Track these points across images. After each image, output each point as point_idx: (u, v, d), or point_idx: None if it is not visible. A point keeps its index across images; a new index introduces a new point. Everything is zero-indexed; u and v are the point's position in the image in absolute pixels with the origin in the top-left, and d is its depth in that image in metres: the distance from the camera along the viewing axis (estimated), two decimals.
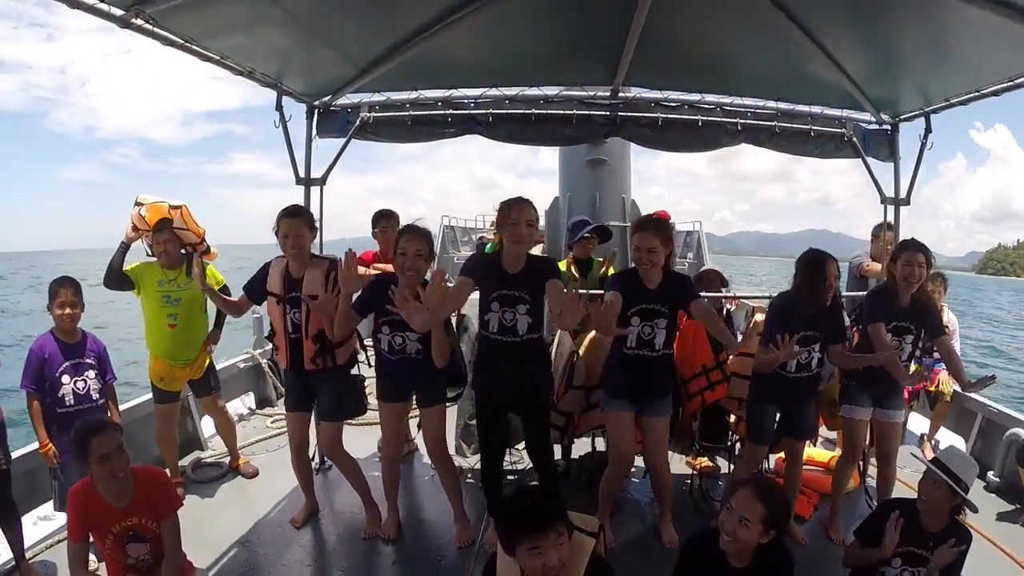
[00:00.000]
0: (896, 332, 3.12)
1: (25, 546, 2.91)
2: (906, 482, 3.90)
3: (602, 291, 3.23)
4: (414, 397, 3.22)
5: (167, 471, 3.53)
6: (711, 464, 3.98)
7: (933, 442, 4.57)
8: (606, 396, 3.12)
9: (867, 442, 3.49)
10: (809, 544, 3.25)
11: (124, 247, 3.56)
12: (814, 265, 2.95)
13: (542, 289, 2.75)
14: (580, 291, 2.52)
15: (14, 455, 2.99)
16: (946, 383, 4.36)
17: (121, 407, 3.44)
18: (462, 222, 11.07)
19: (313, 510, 3.45)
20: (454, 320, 3.53)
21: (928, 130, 3.95)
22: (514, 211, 2.72)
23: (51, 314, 3.08)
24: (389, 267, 3.60)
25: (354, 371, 3.36)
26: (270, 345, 3.67)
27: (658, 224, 2.92)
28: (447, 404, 3.21)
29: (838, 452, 3.88)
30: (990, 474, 4.06)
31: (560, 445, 3.70)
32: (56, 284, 3.11)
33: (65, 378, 3.05)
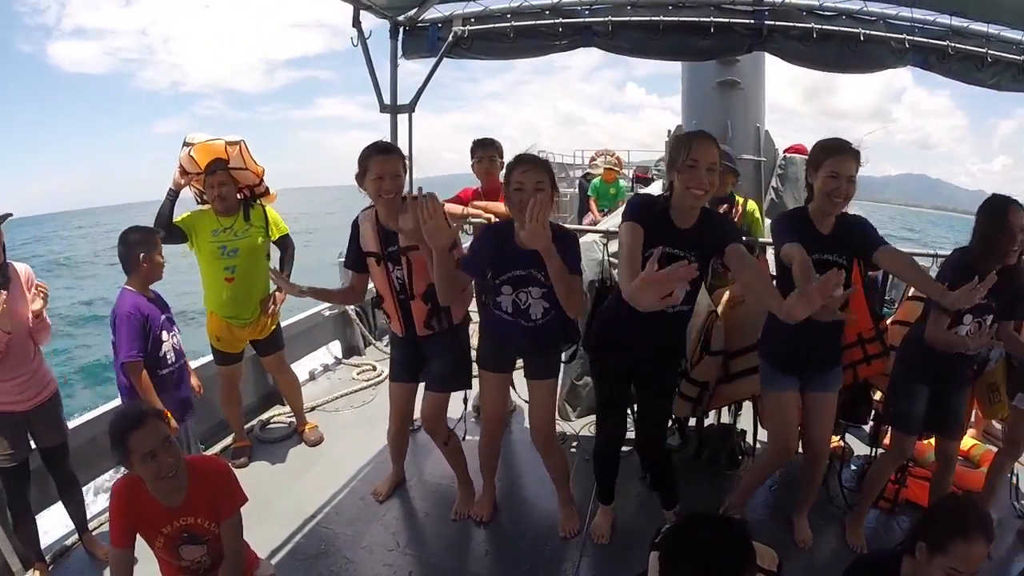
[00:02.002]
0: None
1: (88, 517, 2.68)
2: None
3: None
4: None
5: (230, 464, 3.11)
6: (841, 444, 3.37)
7: None
8: (767, 368, 2.53)
9: None
10: None
11: (173, 194, 3.14)
12: (992, 212, 2.33)
13: (712, 253, 2.18)
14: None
15: (72, 424, 2.72)
16: None
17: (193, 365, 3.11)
18: (559, 157, 10.37)
19: (399, 480, 3.10)
20: None
21: None
22: (695, 148, 2.08)
23: (141, 266, 2.64)
24: (494, 205, 3.06)
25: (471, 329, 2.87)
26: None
27: (857, 153, 2.25)
28: (564, 363, 2.76)
29: (980, 441, 3.41)
30: None
31: (690, 419, 3.18)
32: (151, 233, 2.74)
33: (164, 335, 2.70)
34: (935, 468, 2.79)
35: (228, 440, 3.49)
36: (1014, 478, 3.13)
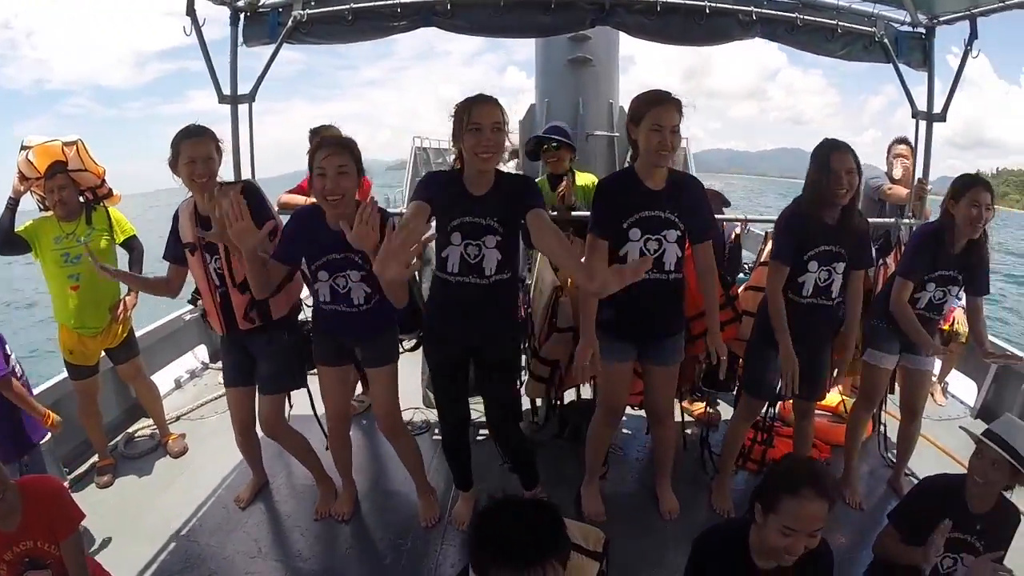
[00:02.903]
0: (941, 282, 2.63)
1: None
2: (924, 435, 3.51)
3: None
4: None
5: (66, 482, 3.01)
6: (710, 410, 3.53)
7: (944, 384, 4.28)
8: (601, 335, 2.46)
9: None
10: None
11: (12, 203, 2.95)
12: (816, 157, 2.40)
13: (518, 217, 2.14)
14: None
15: None
16: (961, 322, 3.96)
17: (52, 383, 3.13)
18: (436, 143, 10.19)
19: (261, 484, 3.02)
20: None
21: (973, 35, 3.35)
22: (475, 111, 2.07)
23: None
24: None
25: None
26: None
27: (679, 102, 2.24)
28: (408, 351, 2.72)
29: (848, 395, 3.52)
30: None
31: (544, 399, 3.17)
32: None
33: None
34: (794, 424, 2.89)
35: (96, 458, 3.30)
36: (883, 427, 3.33)
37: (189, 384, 4.24)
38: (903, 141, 3.98)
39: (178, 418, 3.75)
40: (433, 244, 2.24)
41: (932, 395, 4.12)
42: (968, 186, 2.53)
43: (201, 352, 4.65)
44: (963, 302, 3.96)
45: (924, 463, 3.19)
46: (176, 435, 3.51)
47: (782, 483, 1.55)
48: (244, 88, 3.43)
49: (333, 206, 2.19)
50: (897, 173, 3.98)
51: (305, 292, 2.69)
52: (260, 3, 3.39)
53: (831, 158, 2.34)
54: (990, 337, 3.15)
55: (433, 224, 2.26)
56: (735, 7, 3.20)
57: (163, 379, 4.00)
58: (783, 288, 2.48)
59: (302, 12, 3.33)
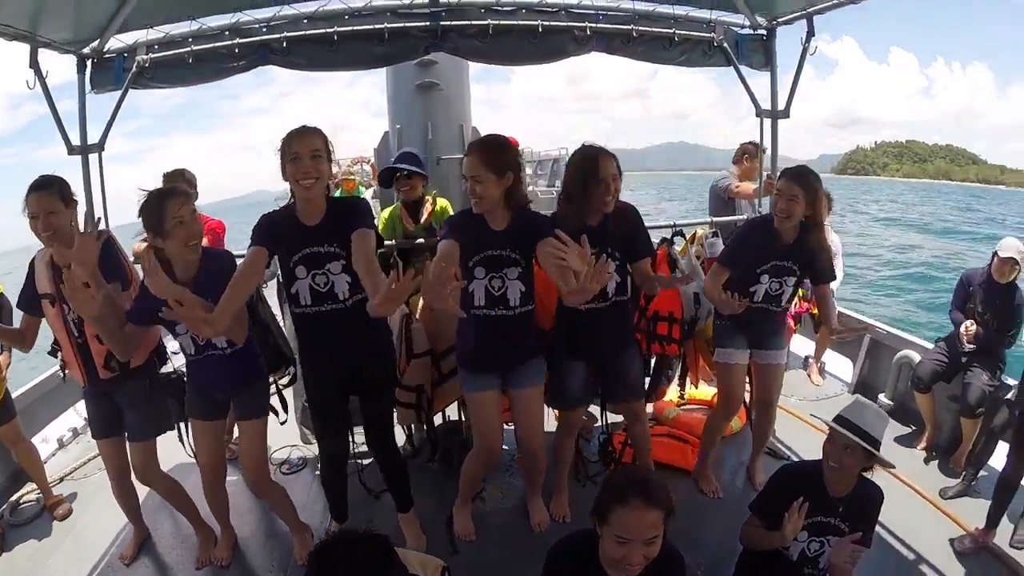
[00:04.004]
0: (775, 273, 2.70)
1: None
2: (793, 411, 3.71)
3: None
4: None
5: None
6: (585, 418, 3.49)
7: (820, 364, 4.44)
8: (462, 369, 2.56)
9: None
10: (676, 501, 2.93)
11: None
12: (581, 164, 2.40)
13: (342, 240, 2.17)
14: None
15: None
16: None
17: None
18: None
19: (143, 537, 2.98)
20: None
21: (811, 33, 3.50)
22: (294, 142, 2.12)
23: None
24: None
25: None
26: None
27: (485, 145, 2.30)
28: (285, 387, 2.76)
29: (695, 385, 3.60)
30: (882, 396, 3.96)
31: (415, 424, 3.21)
32: None
33: None
34: (627, 426, 2.94)
35: None
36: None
37: (73, 443, 4.14)
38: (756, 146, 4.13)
39: (62, 479, 3.66)
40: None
41: (809, 376, 4.32)
42: (781, 178, 2.64)
43: (82, 408, 4.47)
44: (833, 285, 4.17)
45: (805, 444, 3.33)
46: (58, 497, 3.43)
47: (612, 494, 1.56)
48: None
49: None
50: (743, 180, 4.18)
51: (175, 346, 2.63)
52: (105, 50, 3.36)
53: (599, 166, 2.35)
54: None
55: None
56: (569, 24, 3.29)
57: (46, 440, 3.92)
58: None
59: (146, 56, 3.31)
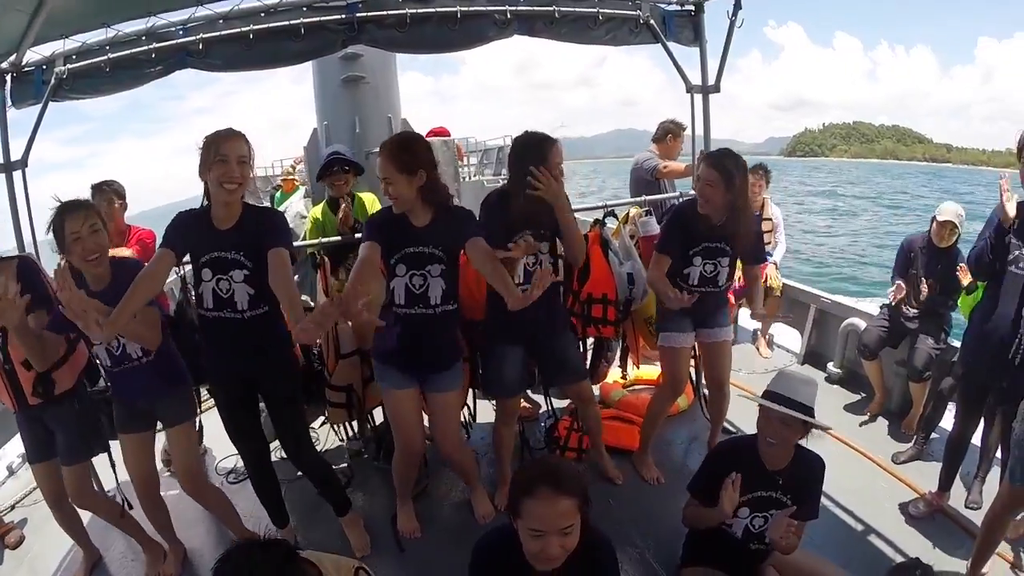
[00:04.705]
0: (708, 255, 2.69)
1: None
2: (742, 385, 3.71)
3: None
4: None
5: None
6: (527, 406, 3.52)
7: (768, 336, 4.48)
8: (378, 365, 2.52)
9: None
10: (626, 483, 2.97)
11: None
12: (533, 151, 2.38)
13: (264, 250, 2.13)
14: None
15: None
16: (774, 278, 4.19)
17: None
18: (261, 171, 9.86)
19: (94, 560, 2.92)
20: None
21: (738, 6, 3.47)
22: (223, 145, 2.09)
23: None
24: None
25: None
26: None
27: (394, 145, 2.25)
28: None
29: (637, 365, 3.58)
30: (830, 365, 4.00)
31: (349, 423, 3.14)
32: None
33: None
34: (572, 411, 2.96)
35: None
36: (704, 391, 3.36)
37: (22, 469, 4.07)
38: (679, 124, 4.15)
39: (13, 506, 3.59)
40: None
41: (758, 349, 4.33)
42: (701, 163, 2.64)
43: None
44: (775, 257, 4.17)
45: (754, 418, 3.30)
46: (9, 525, 3.36)
47: (520, 487, 1.52)
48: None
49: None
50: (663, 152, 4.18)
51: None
52: (23, 63, 3.29)
53: (550, 152, 2.35)
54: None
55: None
56: (488, 8, 3.23)
57: None
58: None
59: (63, 68, 3.24)
